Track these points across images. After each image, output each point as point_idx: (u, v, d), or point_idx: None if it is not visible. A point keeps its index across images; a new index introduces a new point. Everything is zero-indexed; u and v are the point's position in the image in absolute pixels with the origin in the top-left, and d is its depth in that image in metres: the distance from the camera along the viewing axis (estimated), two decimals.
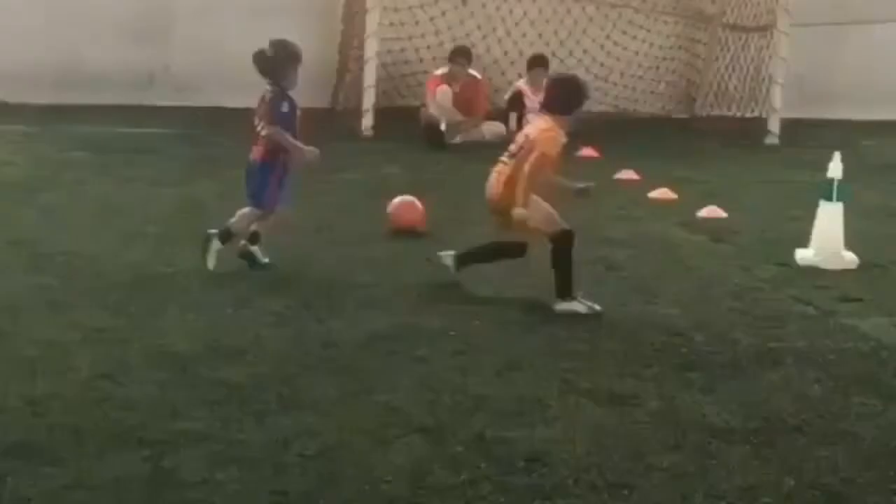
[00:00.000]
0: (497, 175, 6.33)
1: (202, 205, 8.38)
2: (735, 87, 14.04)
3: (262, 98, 6.79)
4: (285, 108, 6.68)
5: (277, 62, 6.72)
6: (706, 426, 4.62)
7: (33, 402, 4.60)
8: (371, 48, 12.07)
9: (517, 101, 12.41)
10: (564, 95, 6.36)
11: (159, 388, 4.79)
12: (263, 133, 6.69)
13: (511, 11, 13.79)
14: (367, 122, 11.87)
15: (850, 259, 7.23)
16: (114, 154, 10.29)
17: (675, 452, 4.37)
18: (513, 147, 6.38)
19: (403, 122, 11.71)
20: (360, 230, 7.78)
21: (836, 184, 7.24)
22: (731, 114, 14.01)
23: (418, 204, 7.84)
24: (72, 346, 5.25)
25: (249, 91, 14.54)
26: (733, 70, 14.10)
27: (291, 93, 6.76)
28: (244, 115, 12.59)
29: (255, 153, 6.74)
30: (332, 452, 4.25)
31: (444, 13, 13.55)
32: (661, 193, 9.28)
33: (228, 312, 5.84)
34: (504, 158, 6.37)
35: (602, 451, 4.34)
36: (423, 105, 12.04)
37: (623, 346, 5.55)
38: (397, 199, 7.86)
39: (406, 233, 7.63)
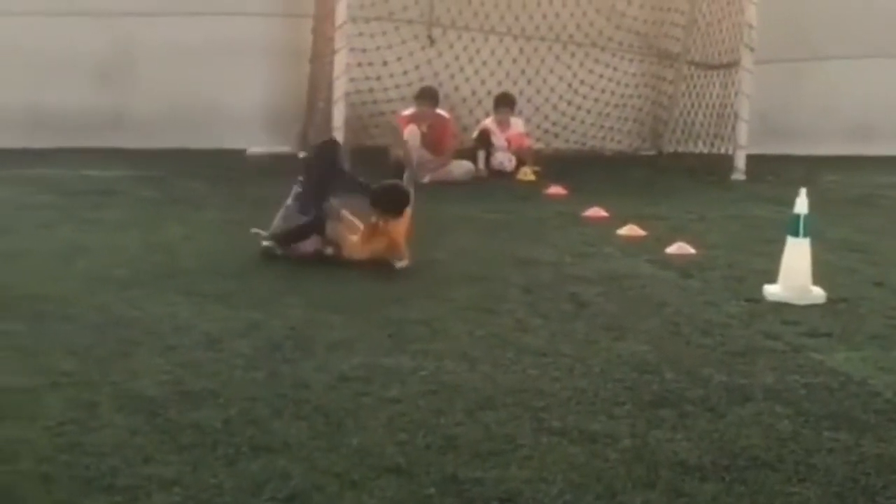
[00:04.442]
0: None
1: (169, 247, 8.35)
2: (701, 124, 14.16)
3: None
4: None
5: None
6: (678, 463, 4.62)
7: (0, 449, 4.54)
8: (339, 89, 12.11)
9: (484, 140, 12.49)
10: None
11: (129, 433, 4.75)
12: None
13: (478, 50, 13.88)
14: None
15: (817, 294, 7.27)
16: (79, 197, 10.25)
17: (648, 490, 4.36)
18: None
19: (372, 162, 11.71)
20: (326, 271, 7.77)
21: (802, 219, 7.30)
22: (697, 150, 14.11)
23: None
24: (40, 392, 5.20)
25: (216, 133, 14.50)
26: (699, 107, 14.22)
27: None
28: (210, 156, 12.66)
29: None
30: (304, 495, 4.22)
31: (411, 53, 13.62)
32: (630, 230, 9.32)
33: (198, 355, 5.81)
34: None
35: (575, 490, 4.33)
36: (392, 145, 12.08)
37: (594, 384, 5.55)
38: None
39: None
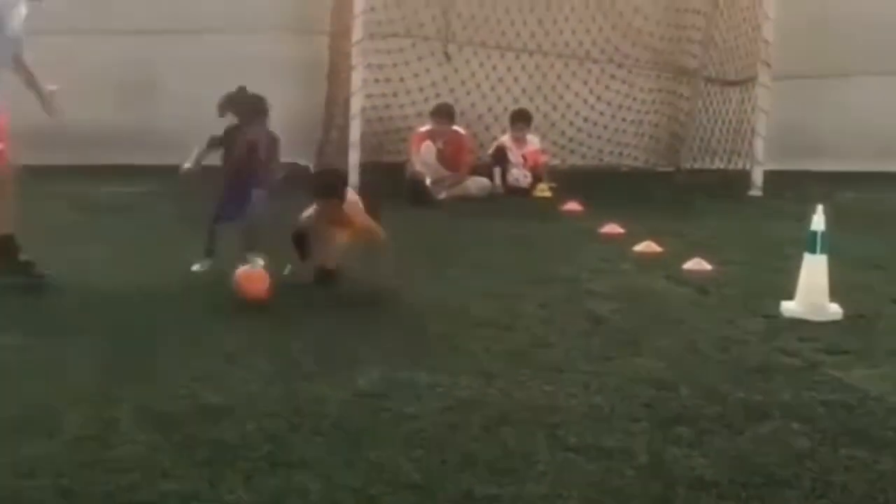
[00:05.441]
0: None
1: (189, 263, 8.37)
2: (718, 140, 14.16)
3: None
4: None
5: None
6: (695, 480, 4.61)
7: (19, 464, 4.57)
8: (356, 105, 12.17)
9: (500, 156, 12.51)
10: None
11: (148, 449, 4.77)
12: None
13: (495, 67, 13.91)
14: (353, 179, 11.91)
15: (834, 310, 7.26)
16: (101, 214, 10.31)
17: None
18: None
19: (388, 178, 11.76)
20: (342, 286, 7.78)
21: (819, 236, 7.29)
22: (714, 166, 14.11)
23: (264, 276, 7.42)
24: (58, 407, 5.23)
25: None
26: (716, 123, 14.22)
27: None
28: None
29: None
30: None
31: (428, 70, 13.67)
32: (646, 246, 9.32)
33: (216, 371, 5.83)
34: None
35: None
36: (408, 161, 12.12)
37: (610, 401, 5.55)
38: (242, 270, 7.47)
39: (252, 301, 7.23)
